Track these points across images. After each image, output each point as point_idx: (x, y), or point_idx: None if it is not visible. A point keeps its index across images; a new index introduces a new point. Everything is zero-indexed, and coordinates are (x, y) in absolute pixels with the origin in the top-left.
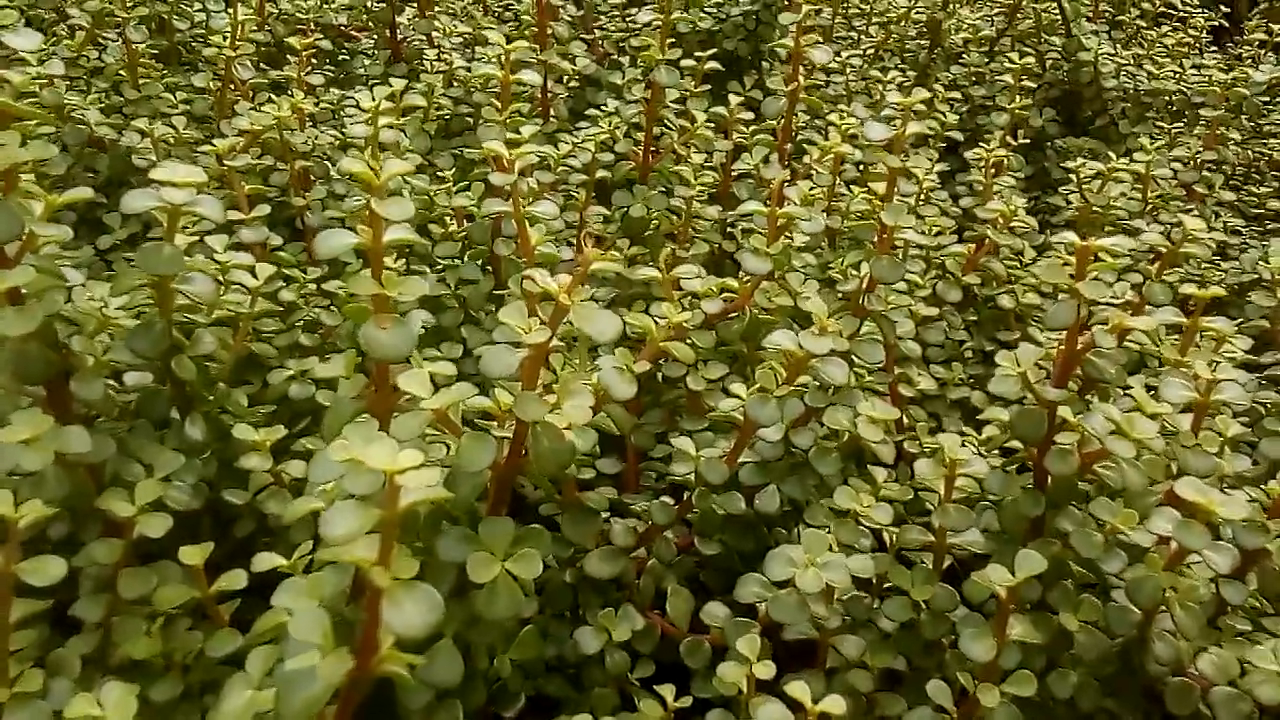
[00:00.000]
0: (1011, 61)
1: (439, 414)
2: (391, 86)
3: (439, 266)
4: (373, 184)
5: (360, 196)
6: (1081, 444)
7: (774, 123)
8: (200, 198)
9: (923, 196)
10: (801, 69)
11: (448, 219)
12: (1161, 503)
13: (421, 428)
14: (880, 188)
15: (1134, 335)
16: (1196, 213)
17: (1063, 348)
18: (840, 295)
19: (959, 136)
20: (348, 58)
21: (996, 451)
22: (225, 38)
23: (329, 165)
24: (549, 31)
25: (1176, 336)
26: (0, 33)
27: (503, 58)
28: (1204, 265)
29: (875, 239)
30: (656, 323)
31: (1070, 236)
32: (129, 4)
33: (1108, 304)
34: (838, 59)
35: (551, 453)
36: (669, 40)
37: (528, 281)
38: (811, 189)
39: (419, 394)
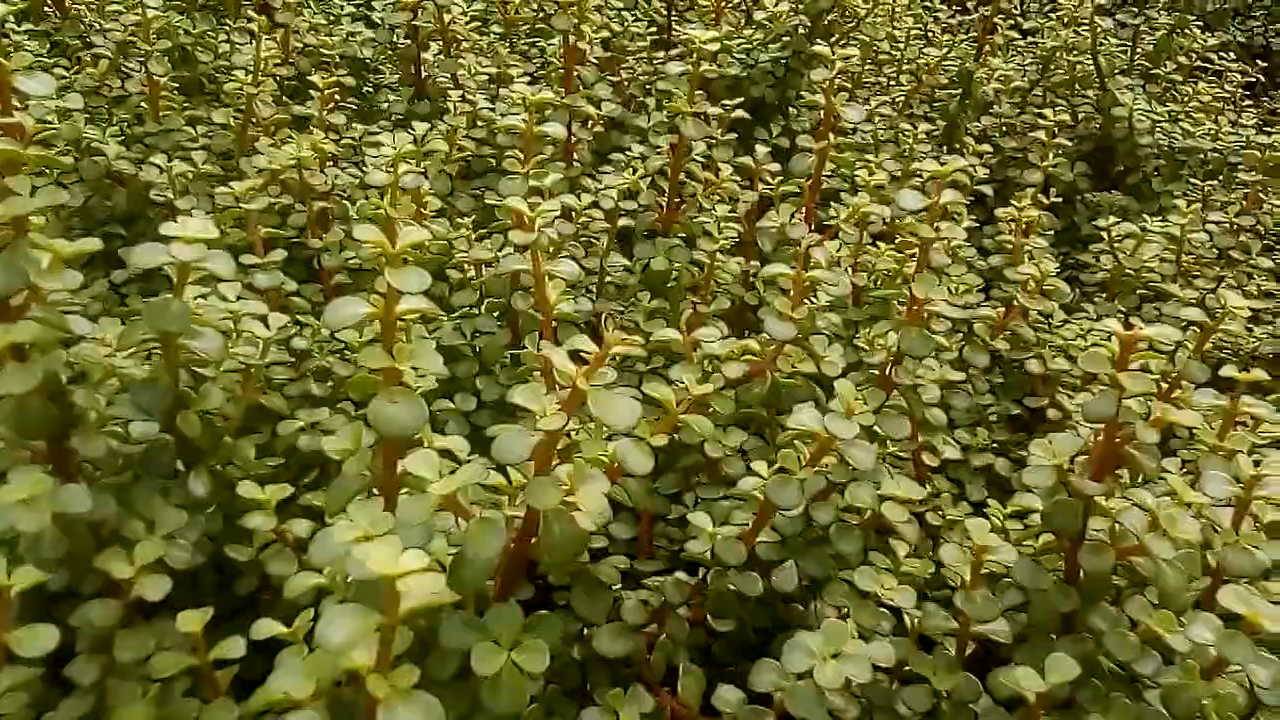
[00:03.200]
0: (1045, 117)
1: (447, 498)
2: (414, 130)
3: (455, 314)
4: (387, 252)
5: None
6: (1116, 537)
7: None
8: (211, 253)
9: (950, 253)
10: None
11: (466, 265)
12: (1199, 602)
13: (428, 513)
14: (910, 253)
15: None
16: (1232, 279)
17: (1100, 439)
18: (865, 366)
19: (988, 191)
20: (372, 91)
21: (1020, 526)
22: (247, 72)
23: (348, 205)
24: (575, 75)
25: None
26: (12, 77)
27: (527, 103)
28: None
29: (904, 310)
30: (677, 387)
31: (1113, 324)
32: (153, 35)
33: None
34: (865, 106)
35: (564, 540)
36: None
37: (545, 347)
38: (838, 248)
39: (427, 477)
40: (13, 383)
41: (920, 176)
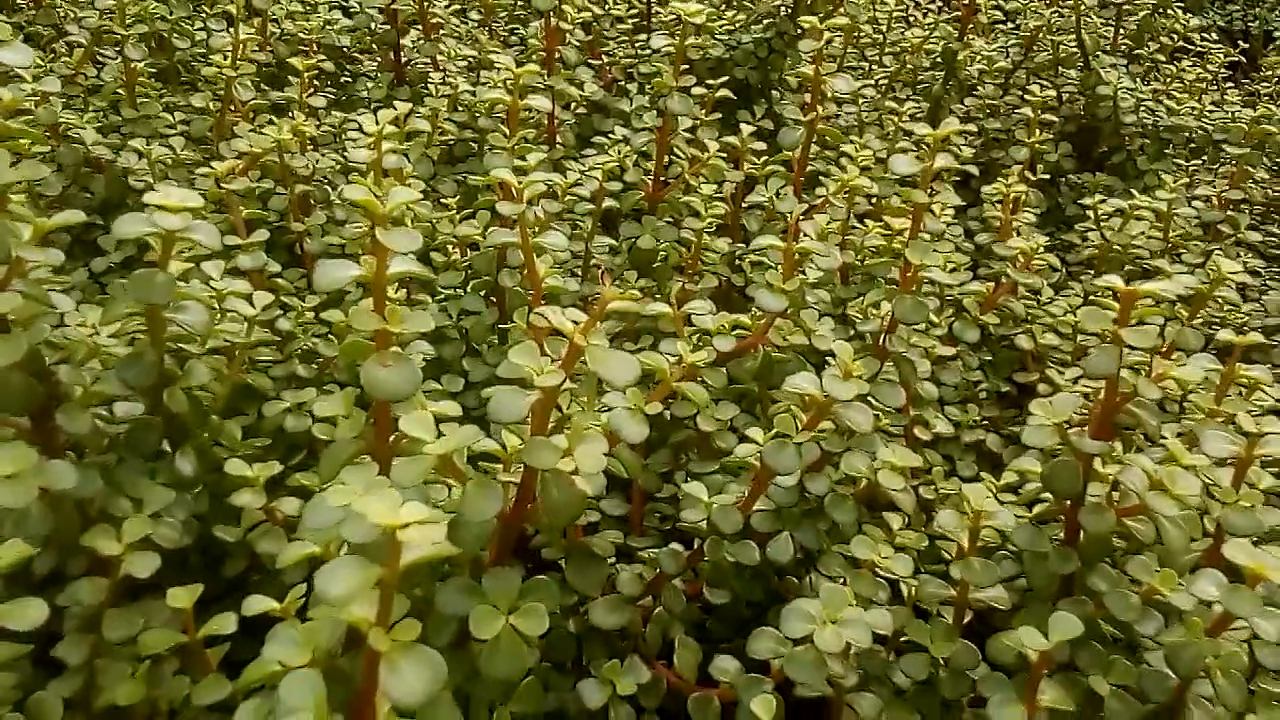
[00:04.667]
0: (1031, 94)
1: (443, 459)
2: (395, 110)
3: (440, 296)
4: (377, 212)
5: (361, 224)
6: (1117, 498)
7: (788, 153)
8: (196, 223)
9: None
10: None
11: (450, 247)
12: (1199, 563)
13: (423, 474)
14: (900, 223)
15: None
16: (1220, 253)
17: (1101, 397)
18: (859, 335)
19: (973, 170)
20: (350, 80)
21: (1014, 497)
22: (225, 57)
23: (329, 190)
24: (556, 56)
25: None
26: None
27: (510, 83)
28: (1227, 308)
29: (898, 277)
30: (670, 360)
31: (1114, 280)
32: (128, 21)
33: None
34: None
35: (562, 502)
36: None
37: (536, 318)
38: (828, 223)
39: (422, 438)
40: None
41: (909, 150)
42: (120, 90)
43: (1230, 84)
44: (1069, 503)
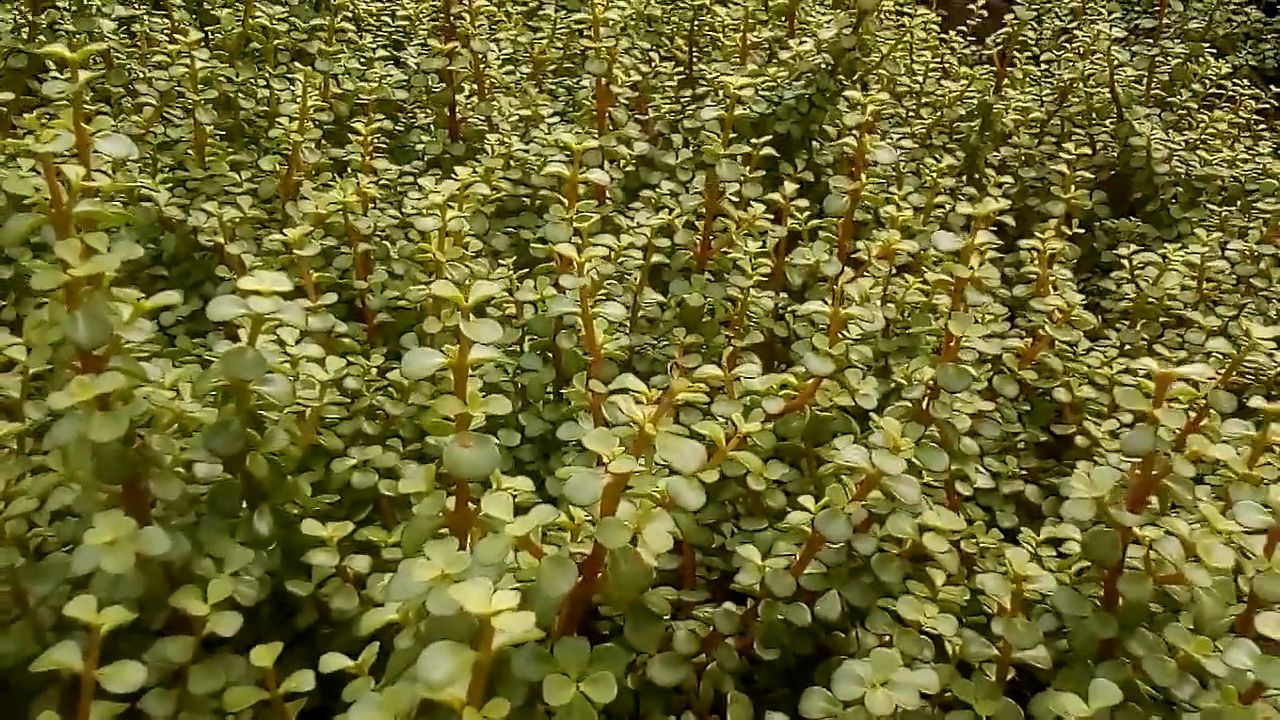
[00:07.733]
0: (1068, 151)
1: (520, 538)
2: (456, 175)
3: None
4: (463, 306)
5: (423, 283)
6: (1153, 565)
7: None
8: (285, 305)
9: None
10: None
11: (506, 305)
12: (1235, 625)
13: (504, 552)
14: (939, 280)
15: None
16: (1253, 307)
17: (1138, 472)
18: (898, 390)
19: (1009, 220)
20: (403, 130)
21: (1053, 551)
22: (291, 119)
23: (388, 246)
24: (607, 116)
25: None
26: (93, 139)
27: (569, 155)
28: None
29: (937, 344)
30: (725, 424)
31: (1150, 364)
32: (199, 86)
33: None
34: (888, 141)
35: (630, 576)
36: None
37: (596, 384)
38: (873, 286)
39: (503, 518)
40: (101, 432)
41: (943, 208)
42: (189, 150)
43: (1263, 126)
44: (1108, 571)
